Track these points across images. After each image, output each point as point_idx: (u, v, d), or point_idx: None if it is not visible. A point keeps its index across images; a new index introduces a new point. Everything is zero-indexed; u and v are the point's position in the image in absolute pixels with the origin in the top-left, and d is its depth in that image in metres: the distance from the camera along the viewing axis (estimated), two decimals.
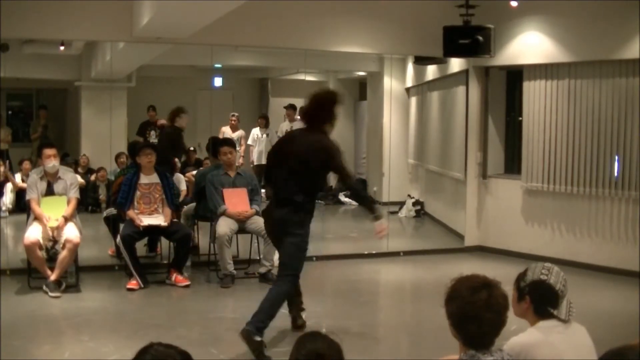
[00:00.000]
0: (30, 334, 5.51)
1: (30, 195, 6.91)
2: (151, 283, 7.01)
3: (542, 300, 2.90)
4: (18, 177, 10.52)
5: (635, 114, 7.54)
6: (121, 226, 7.14)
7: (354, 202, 12.39)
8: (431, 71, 10.75)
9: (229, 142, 7.79)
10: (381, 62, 11.95)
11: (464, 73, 9.20)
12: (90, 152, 11.02)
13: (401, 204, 11.72)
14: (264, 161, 11.65)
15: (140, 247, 7.60)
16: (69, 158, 10.99)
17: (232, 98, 12.73)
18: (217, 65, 11.12)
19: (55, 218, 6.75)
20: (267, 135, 11.69)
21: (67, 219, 6.78)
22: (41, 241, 6.64)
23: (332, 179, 12.50)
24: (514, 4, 8.17)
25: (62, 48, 9.69)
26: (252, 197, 7.43)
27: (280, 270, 5.30)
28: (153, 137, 10.37)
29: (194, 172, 8.73)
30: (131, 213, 7.01)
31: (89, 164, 11.07)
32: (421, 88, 11.59)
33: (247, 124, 11.53)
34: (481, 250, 9.02)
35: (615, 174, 7.77)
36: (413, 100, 12.13)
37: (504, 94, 9.23)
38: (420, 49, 8.97)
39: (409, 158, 12.23)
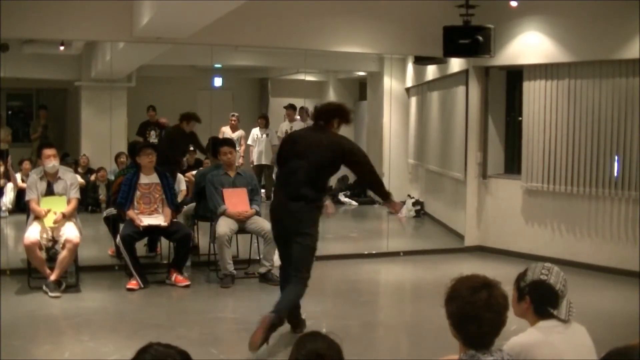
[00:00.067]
0: (30, 334, 5.51)
1: (30, 196, 6.91)
2: (151, 283, 7.01)
3: (542, 300, 2.91)
4: (18, 177, 10.52)
5: (635, 114, 7.54)
6: (121, 226, 7.14)
7: (353, 202, 12.42)
8: (431, 71, 10.75)
9: (229, 142, 7.79)
10: (381, 62, 11.95)
11: (464, 73, 9.20)
12: (90, 152, 11.03)
13: (401, 204, 11.70)
14: (264, 161, 11.67)
15: (140, 247, 7.60)
16: (69, 158, 11.00)
17: (232, 98, 12.73)
18: (217, 65, 11.13)
19: (54, 211, 6.75)
20: (267, 135, 11.69)
21: (65, 215, 6.78)
22: (41, 241, 6.64)
23: (332, 179, 12.53)
24: (514, 4, 8.17)
25: (62, 48, 9.69)
26: (252, 197, 7.44)
27: (295, 271, 5.25)
28: (153, 137, 10.37)
29: (194, 172, 8.73)
30: (131, 213, 7.01)
31: (89, 164, 11.07)
32: (421, 88, 11.59)
33: (247, 124, 11.53)
34: (481, 250, 9.02)
35: (615, 174, 7.77)
36: (413, 100, 12.13)
37: (504, 94, 9.23)
38: (420, 49, 8.97)
39: (409, 158, 12.23)
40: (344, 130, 5.65)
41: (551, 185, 8.31)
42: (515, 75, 8.92)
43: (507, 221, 8.84)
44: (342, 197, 12.44)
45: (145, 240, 7.83)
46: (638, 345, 2.29)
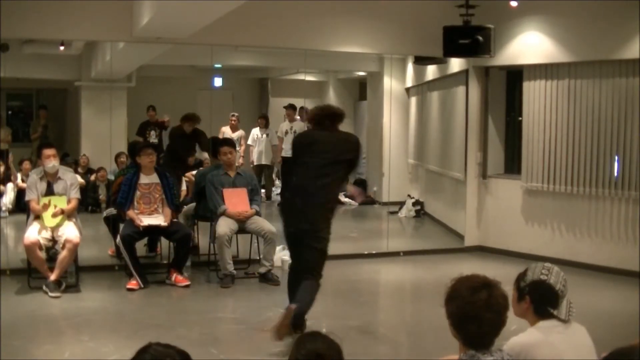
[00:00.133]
0: (30, 334, 5.51)
1: (30, 196, 6.91)
2: (151, 283, 7.01)
3: (542, 300, 2.91)
4: (18, 178, 10.53)
5: (635, 114, 7.54)
6: (121, 226, 7.14)
7: (353, 202, 12.41)
8: (431, 71, 10.75)
9: (229, 142, 7.79)
10: (381, 62, 11.95)
11: (464, 73, 9.20)
12: (90, 152, 11.03)
13: (401, 204, 11.72)
14: (264, 161, 11.69)
15: (140, 247, 7.60)
16: (69, 158, 11.00)
17: (232, 98, 12.74)
18: (217, 65, 11.12)
19: (54, 204, 6.76)
20: (267, 135, 11.69)
21: (63, 211, 6.79)
22: (41, 241, 6.64)
23: None
24: (514, 4, 8.17)
25: (62, 48, 9.69)
26: (252, 197, 7.44)
27: (309, 274, 5.29)
28: (153, 137, 10.37)
29: (194, 172, 8.73)
30: (131, 213, 7.01)
31: (89, 164, 11.07)
32: (421, 88, 11.59)
33: (247, 124, 11.53)
34: (481, 250, 9.02)
35: (615, 174, 7.77)
36: (413, 100, 12.13)
37: (504, 94, 9.23)
38: (420, 49, 8.97)
39: (409, 158, 12.23)
40: (345, 130, 5.69)
41: (551, 185, 8.31)
42: (515, 75, 8.92)
43: (507, 221, 8.84)
44: (342, 197, 12.45)
45: (145, 240, 7.82)
46: (639, 345, 2.29)
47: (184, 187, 8.74)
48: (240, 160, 10.23)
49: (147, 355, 2.01)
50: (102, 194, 10.52)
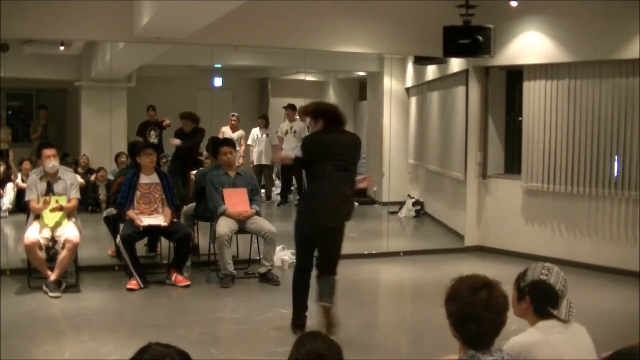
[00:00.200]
0: (30, 334, 5.51)
1: (30, 196, 6.91)
2: (151, 283, 7.01)
3: (542, 300, 2.90)
4: (18, 177, 10.53)
5: (635, 114, 7.54)
6: (121, 226, 7.14)
7: (354, 203, 12.41)
8: (431, 71, 10.75)
9: (229, 142, 7.79)
10: (381, 62, 11.95)
11: (464, 73, 9.20)
12: (90, 152, 11.02)
13: (401, 204, 11.72)
14: (264, 161, 11.68)
15: (140, 247, 7.60)
16: (69, 158, 10.99)
17: (232, 98, 12.73)
18: (217, 65, 11.12)
19: (55, 200, 6.77)
20: (267, 135, 11.69)
21: (62, 207, 6.79)
22: (41, 241, 6.64)
23: None
24: (514, 4, 8.17)
25: (62, 48, 9.69)
26: (252, 197, 7.44)
27: (332, 268, 5.46)
28: (153, 137, 10.37)
29: (194, 172, 8.73)
30: (131, 213, 7.01)
31: (89, 164, 11.07)
32: (421, 88, 11.59)
33: (247, 124, 11.53)
34: (481, 250, 9.02)
35: (615, 174, 7.77)
36: (413, 100, 12.12)
37: (504, 94, 9.23)
38: (420, 49, 8.97)
39: (409, 158, 12.23)
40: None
41: (551, 185, 8.31)
42: (515, 75, 8.92)
43: (507, 221, 8.84)
44: None
45: (145, 240, 7.82)
46: (639, 345, 2.29)
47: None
48: (240, 160, 10.23)
49: (147, 355, 2.01)
50: (102, 194, 10.52)
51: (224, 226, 7.03)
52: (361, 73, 13.05)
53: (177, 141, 8.99)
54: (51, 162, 6.92)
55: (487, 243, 9.04)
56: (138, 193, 7.12)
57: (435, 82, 10.73)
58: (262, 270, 7.23)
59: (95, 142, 10.65)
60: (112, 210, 7.74)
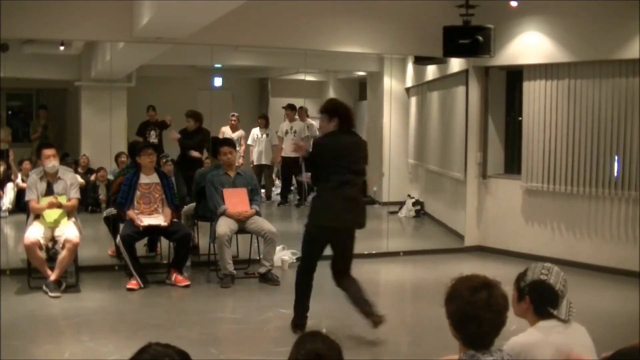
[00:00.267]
0: (30, 334, 5.51)
1: (30, 196, 6.91)
2: (151, 283, 7.01)
3: (542, 300, 2.91)
4: (19, 177, 10.53)
5: (635, 114, 7.54)
6: (121, 226, 7.14)
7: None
8: (431, 71, 10.75)
9: (229, 142, 7.79)
10: (381, 62, 11.95)
11: (464, 73, 9.20)
12: (90, 152, 11.02)
13: (401, 204, 11.72)
14: (264, 161, 11.68)
15: (140, 247, 7.60)
16: (69, 158, 11.00)
17: (232, 98, 12.73)
18: (217, 65, 11.12)
19: (56, 198, 6.78)
20: (267, 135, 11.69)
21: (61, 205, 6.79)
22: (41, 241, 6.64)
23: None
24: (514, 4, 8.17)
25: (62, 48, 9.69)
26: (252, 197, 7.44)
27: (348, 268, 5.56)
28: (153, 137, 10.37)
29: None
30: (131, 213, 7.01)
31: (88, 164, 11.07)
32: (421, 88, 11.59)
33: (247, 124, 11.53)
34: (481, 250, 9.02)
35: (615, 174, 7.77)
36: (413, 100, 12.12)
37: (504, 94, 9.23)
38: (420, 49, 8.97)
39: (409, 158, 12.23)
40: None
41: (551, 185, 8.31)
42: (515, 75, 8.92)
43: (507, 221, 8.84)
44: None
45: (145, 240, 7.83)
46: (639, 345, 2.29)
47: None
48: (240, 160, 10.23)
49: (147, 355, 2.01)
50: (102, 194, 10.52)
51: (224, 226, 7.03)
52: (361, 73, 13.05)
53: (176, 135, 9.00)
54: (51, 162, 6.92)
55: (487, 243, 9.04)
56: (138, 193, 7.12)
57: (435, 82, 10.73)
58: (262, 270, 7.22)
59: (95, 142, 10.65)
60: (112, 210, 7.74)
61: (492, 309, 2.51)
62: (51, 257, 6.88)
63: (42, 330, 5.68)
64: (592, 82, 7.90)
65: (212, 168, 7.79)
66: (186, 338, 5.31)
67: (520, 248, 8.53)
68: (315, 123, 12.41)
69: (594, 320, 3.97)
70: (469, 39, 7.85)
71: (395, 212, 11.44)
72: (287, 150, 11.84)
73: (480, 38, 7.83)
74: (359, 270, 7.90)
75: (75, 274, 6.94)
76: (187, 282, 7.00)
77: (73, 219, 6.94)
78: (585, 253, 8.00)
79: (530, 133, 8.50)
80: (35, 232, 6.66)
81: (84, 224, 7.34)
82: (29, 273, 6.85)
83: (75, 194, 7.00)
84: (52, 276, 6.59)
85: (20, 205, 9.39)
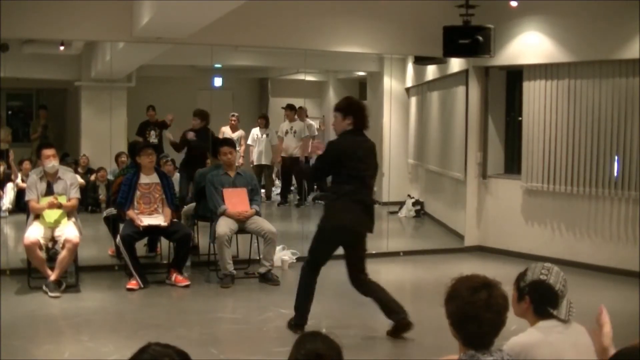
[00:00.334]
0: (30, 334, 5.51)
1: (30, 196, 6.91)
2: (151, 283, 7.00)
3: (541, 300, 2.90)
4: (19, 177, 10.53)
5: (635, 114, 7.54)
6: (121, 226, 7.14)
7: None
8: (431, 71, 10.75)
9: (229, 142, 7.79)
10: (381, 62, 11.95)
11: (464, 73, 9.20)
12: (90, 152, 11.03)
13: (401, 204, 11.72)
14: (264, 161, 11.68)
15: (140, 247, 7.60)
16: (69, 158, 11.00)
17: (232, 98, 12.73)
18: (217, 65, 11.12)
19: (56, 199, 6.78)
20: (267, 135, 11.69)
21: (61, 205, 6.79)
22: (41, 241, 6.64)
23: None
24: (514, 4, 8.17)
25: (62, 48, 9.69)
26: (252, 197, 7.44)
27: (362, 268, 5.63)
28: (153, 137, 10.37)
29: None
30: (131, 213, 7.00)
31: (88, 164, 11.07)
32: (421, 88, 11.59)
33: (247, 124, 11.53)
34: (481, 250, 9.02)
35: (615, 174, 7.77)
36: (413, 100, 12.13)
37: (504, 94, 9.23)
38: (420, 49, 8.97)
39: (409, 158, 12.23)
40: None
41: (551, 185, 8.31)
42: (515, 75, 8.92)
43: (507, 221, 8.84)
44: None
45: (145, 240, 7.82)
46: (639, 345, 2.29)
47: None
48: (240, 160, 10.23)
49: (146, 355, 2.01)
50: (102, 194, 10.52)
51: (224, 226, 7.03)
52: (361, 73, 13.05)
53: (191, 134, 8.96)
54: (51, 162, 6.92)
55: (487, 243, 9.04)
56: (138, 193, 7.12)
57: (435, 82, 10.73)
58: (262, 270, 7.22)
59: (95, 142, 10.65)
60: (112, 210, 7.73)
61: (492, 309, 2.51)
62: (51, 257, 6.87)
63: (42, 330, 5.68)
64: (592, 82, 7.90)
65: (212, 168, 7.79)
66: (186, 338, 5.31)
67: (520, 248, 8.53)
68: (314, 123, 12.44)
69: (594, 320, 3.96)
70: (469, 39, 7.85)
71: (395, 212, 11.44)
72: (287, 150, 11.86)
73: (480, 38, 7.83)
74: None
75: (75, 274, 6.94)
76: (187, 282, 7.00)
77: (73, 219, 6.94)
78: (585, 253, 8.00)
79: (530, 133, 8.50)
80: (35, 232, 6.65)
81: (84, 224, 7.34)
82: (29, 273, 6.85)
83: (75, 194, 7.00)
84: (52, 276, 6.59)
85: (20, 205, 9.40)
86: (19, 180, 10.52)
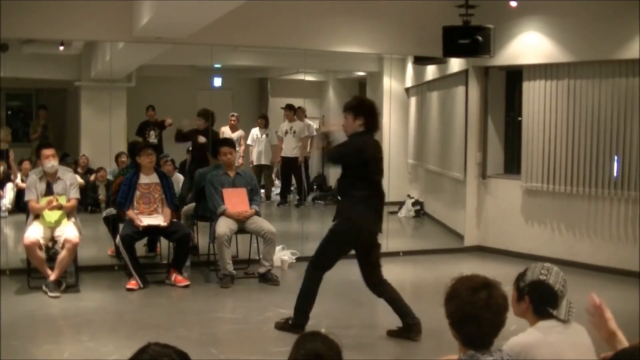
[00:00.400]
0: (30, 334, 5.51)
1: (29, 197, 6.91)
2: (151, 283, 7.00)
3: (541, 300, 2.91)
4: (18, 177, 10.53)
5: (635, 114, 7.54)
6: (121, 226, 7.14)
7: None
8: (431, 71, 10.75)
9: (229, 142, 7.79)
10: (381, 62, 11.94)
11: (464, 73, 9.20)
12: (89, 152, 11.03)
13: (401, 204, 11.72)
14: (263, 161, 11.68)
15: (140, 247, 7.60)
16: (69, 158, 11.00)
17: (232, 98, 12.73)
18: (217, 65, 11.12)
19: (56, 199, 6.78)
20: (267, 135, 11.69)
21: (62, 206, 6.79)
22: (41, 241, 6.64)
23: (331, 180, 12.52)
24: (513, 4, 8.17)
25: (62, 48, 9.69)
26: (252, 197, 7.44)
27: (378, 270, 5.61)
28: (153, 137, 10.37)
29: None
30: (131, 213, 7.00)
31: (88, 164, 11.07)
32: (421, 88, 11.59)
33: (246, 124, 11.53)
34: (481, 250, 9.02)
35: (615, 174, 7.77)
36: (413, 100, 12.12)
37: (504, 94, 9.23)
38: (420, 49, 8.97)
39: (409, 158, 12.23)
40: None
41: (551, 185, 8.31)
42: (515, 75, 8.92)
43: (506, 221, 8.84)
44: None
45: (145, 240, 7.82)
46: (639, 345, 2.30)
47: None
48: (240, 160, 10.23)
49: (146, 355, 2.01)
50: (102, 194, 10.52)
51: (224, 226, 7.03)
52: (361, 73, 13.04)
53: (202, 139, 8.96)
54: (50, 162, 6.91)
55: (487, 243, 9.04)
56: (138, 193, 7.12)
57: (435, 82, 10.73)
58: (262, 270, 7.22)
59: (95, 142, 10.65)
60: (111, 210, 7.73)
61: (491, 309, 2.51)
62: (51, 257, 6.87)
63: (42, 330, 5.68)
64: (592, 82, 7.90)
65: (212, 168, 7.79)
66: (186, 338, 5.31)
67: (520, 248, 8.53)
68: (313, 123, 12.44)
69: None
70: (468, 39, 7.85)
71: (395, 212, 11.43)
72: (287, 150, 11.85)
73: (480, 38, 7.83)
74: (359, 270, 7.94)
75: (75, 274, 6.94)
76: (187, 282, 7.00)
77: (73, 219, 6.94)
78: (585, 253, 8.00)
79: (530, 133, 8.50)
80: (35, 232, 6.65)
81: (83, 224, 7.34)
82: (29, 273, 6.85)
83: (74, 194, 7.00)
84: (52, 276, 6.59)
85: (20, 205, 9.39)
86: (18, 180, 10.52)
